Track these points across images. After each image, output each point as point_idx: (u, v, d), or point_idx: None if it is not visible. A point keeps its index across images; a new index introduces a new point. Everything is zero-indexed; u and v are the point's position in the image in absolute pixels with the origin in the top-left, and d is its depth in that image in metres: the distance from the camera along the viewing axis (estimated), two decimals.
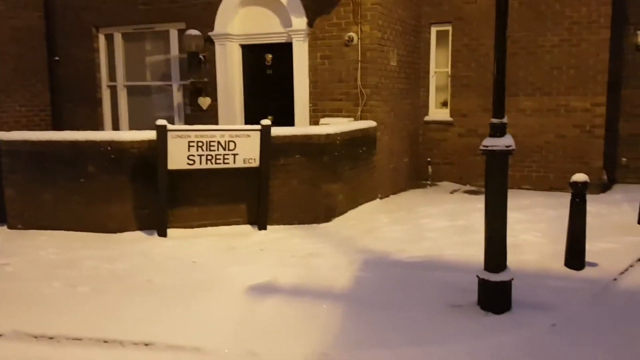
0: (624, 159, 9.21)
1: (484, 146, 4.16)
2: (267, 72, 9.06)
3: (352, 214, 7.33)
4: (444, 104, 10.06)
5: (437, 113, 10.07)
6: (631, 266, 5.18)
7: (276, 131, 6.53)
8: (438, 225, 6.88)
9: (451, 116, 9.81)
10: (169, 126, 5.93)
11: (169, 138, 5.88)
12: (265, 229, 6.46)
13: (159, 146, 5.88)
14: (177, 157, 5.94)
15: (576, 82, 8.71)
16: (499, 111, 4.13)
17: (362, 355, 3.55)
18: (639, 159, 8.94)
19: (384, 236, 6.37)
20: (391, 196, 8.71)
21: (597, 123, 8.59)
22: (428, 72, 9.98)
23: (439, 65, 10.01)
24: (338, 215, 7.06)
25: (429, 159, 9.98)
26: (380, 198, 8.33)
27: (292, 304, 4.32)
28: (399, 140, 9.14)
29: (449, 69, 9.82)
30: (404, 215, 7.43)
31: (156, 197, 6.06)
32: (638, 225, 6.48)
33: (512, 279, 4.24)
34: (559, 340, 3.76)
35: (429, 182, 9.93)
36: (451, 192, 9.20)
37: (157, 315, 4.10)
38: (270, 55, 8.97)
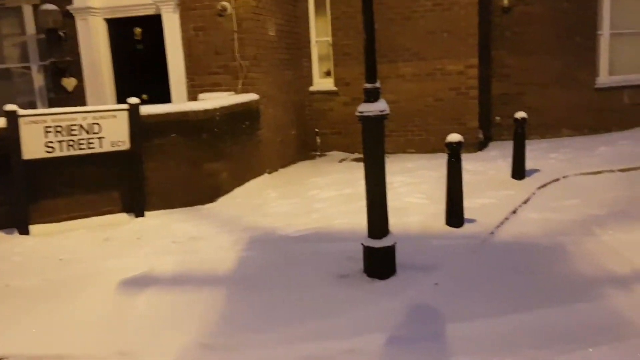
0: (497, 118, 9.70)
1: (359, 112, 4.07)
2: (138, 47, 8.45)
3: (238, 191, 7.07)
4: (328, 74, 9.99)
5: (322, 83, 9.98)
6: (506, 219, 5.40)
7: (147, 110, 6.07)
8: (327, 196, 6.82)
9: (335, 85, 9.76)
10: (20, 111, 5.30)
11: (21, 124, 5.25)
12: (142, 215, 6.03)
13: (10, 134, 5.23)
14: (33, 145, 5.33)
15: (450, 45, 8.96)
16: (371, 76, 4.04)
17: (244, 340, 3.35)
18: (511, 116, 9.41)
19: (272, 211, 6.20)
20: (280, 170, 8.55)
21: (471, 85, 8.92)
22: (309, 42, 9.83)
23: (319, 34, 9.88)
24: (223, 195, 6.77)
25: (316, 130, 9.91)
26: (269, 173, 8.13)
27: (171, 294, 4.03)
28: (285, 113, 8.96)
29: (329, 38, 9.73)
30: (293, 189, 7.30)
31: (13, 191, 5.41)
32: (512, 179, 6.81)
33: (395, 243, 4.23)
34: (441, 298, 3.80)
35: (318, 153, 9.88)
36: (340, 162, 9.20)
37: (13, 324, 3.64)
38: (139, 29, 8.36)
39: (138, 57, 8.39)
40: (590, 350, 3.04)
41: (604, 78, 9.85)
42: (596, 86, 9.77)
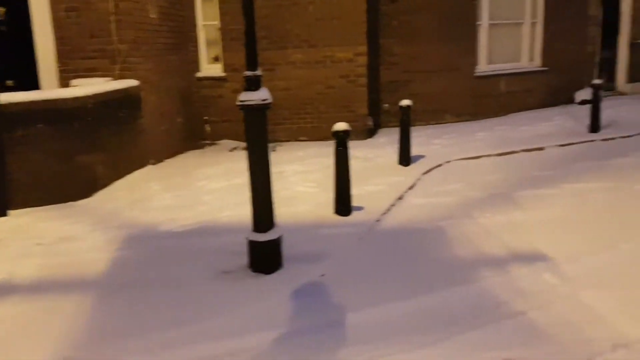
0: (385, 105, 9.88)
1: (240, 101, 3.89)
2: (1, 29, 7.58)
3: (118, 184, 6.59)
4: (217, 59, 9.61)
5: (210, 69, 9.60)
6: (393, 205, 5.47)
7: (8, 97, 5.44)
8: (215, 187, 6.55)
9: (224, 71, 9.42)
10: None
11: None
12: (5, 215, 5.41)
13: None
14: None
15: (339, 33, 8.94)
16: (251, 63, 3.86)
17: (114, 349, 3.06)
18: (398, 104, 9.62)
19: (155, 205, 5.83)
20: (166, 161, 8.10)
21: (360, 72, 8.98)
22: (195, 26, 9.38)
23: (207, 17, 9.46)
24: (101, 189, 6.27)
25: (205, 118, 9.53)
26: (153, 164, 7.68)
27: (32, 303, 3.61)
28: (169, 100, 8.50)
29: (217, 22, 9.35)
30: (179, 180, 6.93)
31: None
32: (399, 165, 6.93)
33: (282, 236, 4.10)
34: (329, 289, 3.74)
35: (207, 142, 9.51)
36: (230, 150, 8.92)
37: None
38: (2, 9, 7.49)
39: (1, 39, 7.53)
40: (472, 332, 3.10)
41: (484, 66, 10.37)
42: (476, 74, 10.26)
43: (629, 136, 8.16)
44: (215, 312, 3.45)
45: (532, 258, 4.10)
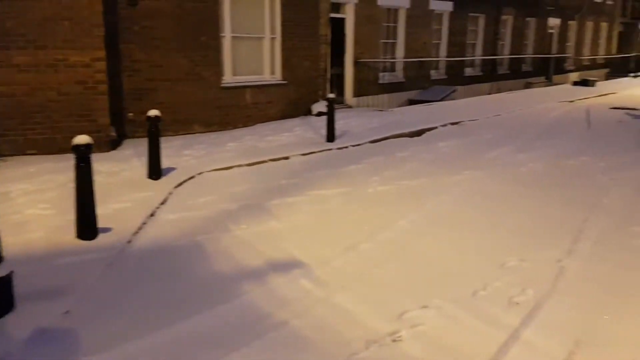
0: (130, 114, 9.29)
1: None
2: None
3: None
4: None
5: None
6: (144, 223, 5.11)
7: None
8: None
9: None
10: None
11: None
12: None
13: None
14: None
15: (73, 35, 8.06)
16: None
17: None
18: (145, 113, 9.14)
19: None
20: None
21: (99, 79, 8.24)
22: None
23: None
24: None
25: None
26: None
27: None
28: None
29: None
30: None
31: None
32: (148, 179, 6.55)
33: (11, 272, 3.44)
34: (71, 330, 3.26)
35: None
36: None
37: None
38: None
39: None
40: (235, 353, 3.02)
41: (229, 77, 10.55)
42: (222, 85, 10.37)
43: (359, 144, 9.17)
44: None
45: (289, 266, 4.24)
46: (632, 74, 27.65)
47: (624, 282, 4.04)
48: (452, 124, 11.41)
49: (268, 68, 11.37)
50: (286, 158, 8.13)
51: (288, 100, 11.64)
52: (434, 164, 7.95)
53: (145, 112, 6.72)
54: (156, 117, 6.54)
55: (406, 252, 4.60)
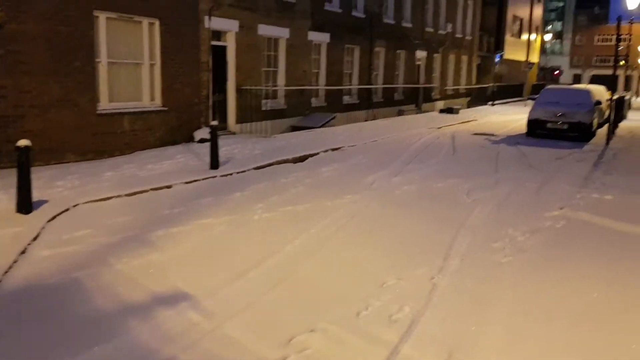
0: None
1: None
2: None
3: None
4: None
5: None
6: (15, 262, 4.76)
7: None
8: None
9: None
10: None
11: None
12: None
13: None
14: None
15: None
16: None
17: None
18: (12, 141, 8.55)
19: None
20: None
21: None
22: None
23: None
24: None
25: None
26: None
27: None
28: None
29: None
30: None
31: None
32: (18, 214, 6.10)
33: None
34: None
35: None
36: None
37: None
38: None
39: None
40: None
41: (105, 104, 10.14)
42: (98, 111, 9.94)
43: (243, 171, 9.24)
44: None
45: (175, 298, 4.18)
46: (490, 102, 30.54)
47: (487, 294, 4.48)
48: (333, 149, 11.87)
49: (147, 94, 11.11)
50: (168, 187, 7.97)
51: (169, 127, 11.43)
52: (317, 188, 8.23)
53: (12, 140, 6.28)
54: (26, 147, 6.13)
55: (293, 277, 4.73)
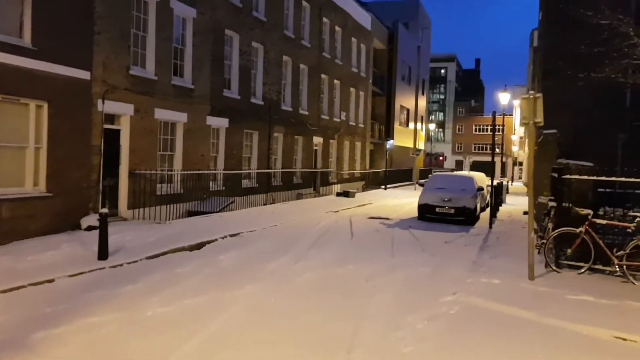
0: None
1: None
2: None
3: None
4: None
5: None
6: None
7: None
8: None
9: None
10: None
11: None
12: None
13: None
14: None
15: None
16: None
17: None
18: None
19: None
20: None
21: None
22: None
23: None
24: None
25: None
26: None
27: None
28: None
29: None
30: None
31: None
32: None
33: None
34: None
35: None
36: None
37: None
38: None
39: None
40: None
41: None
42: None
43: (135, 261, 8.72)
44: None
45: None
46: (382, 186, 31.96)
47: None
48: (232, 235, 11.64)
49: (31, 179, 10.41)
50: (50, 281, 7.31)
51: (54, 214, 10.67)
52: (216, 278, 7.92)
53: None
54: None
55: None
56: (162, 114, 14.44)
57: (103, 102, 12.00)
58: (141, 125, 13.57)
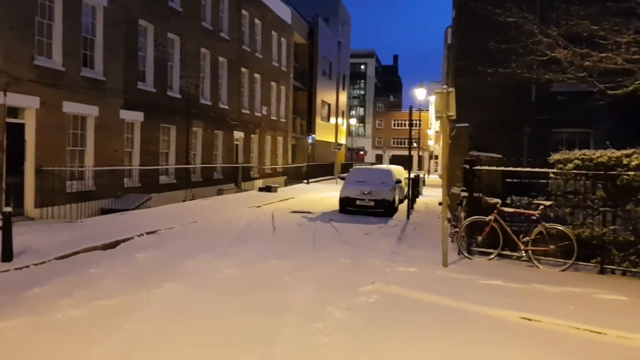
0: None
1: None
2: None
3: None
4: None
5: None
6: None
7: None
8: None
9: None
10: None
11: None
12: None
13: None
14: None
15: None
16: None
17: None
18: None
19: None
20: None
21: None
22: None
23: None
24: None
25: None
26: None
27: None
28: None
29: None
30: None
31: None
32: None
33: None
34: None
35: None
36: None
37: None
38: None
39: None
40: None
41: None
42: None
43: (43, 262, 8.22)
44: None
45: None
46: (305, 181, 32.14)
47: None
48: (149, 233, 11.26)
49: None
50: None
51: None
52: (132, 278, 7.63)
53: None
54: None
55: None
56: (71, 107, 13.71)
57: (5, 95, 11.21)
58: (48, 119, 12.82)
